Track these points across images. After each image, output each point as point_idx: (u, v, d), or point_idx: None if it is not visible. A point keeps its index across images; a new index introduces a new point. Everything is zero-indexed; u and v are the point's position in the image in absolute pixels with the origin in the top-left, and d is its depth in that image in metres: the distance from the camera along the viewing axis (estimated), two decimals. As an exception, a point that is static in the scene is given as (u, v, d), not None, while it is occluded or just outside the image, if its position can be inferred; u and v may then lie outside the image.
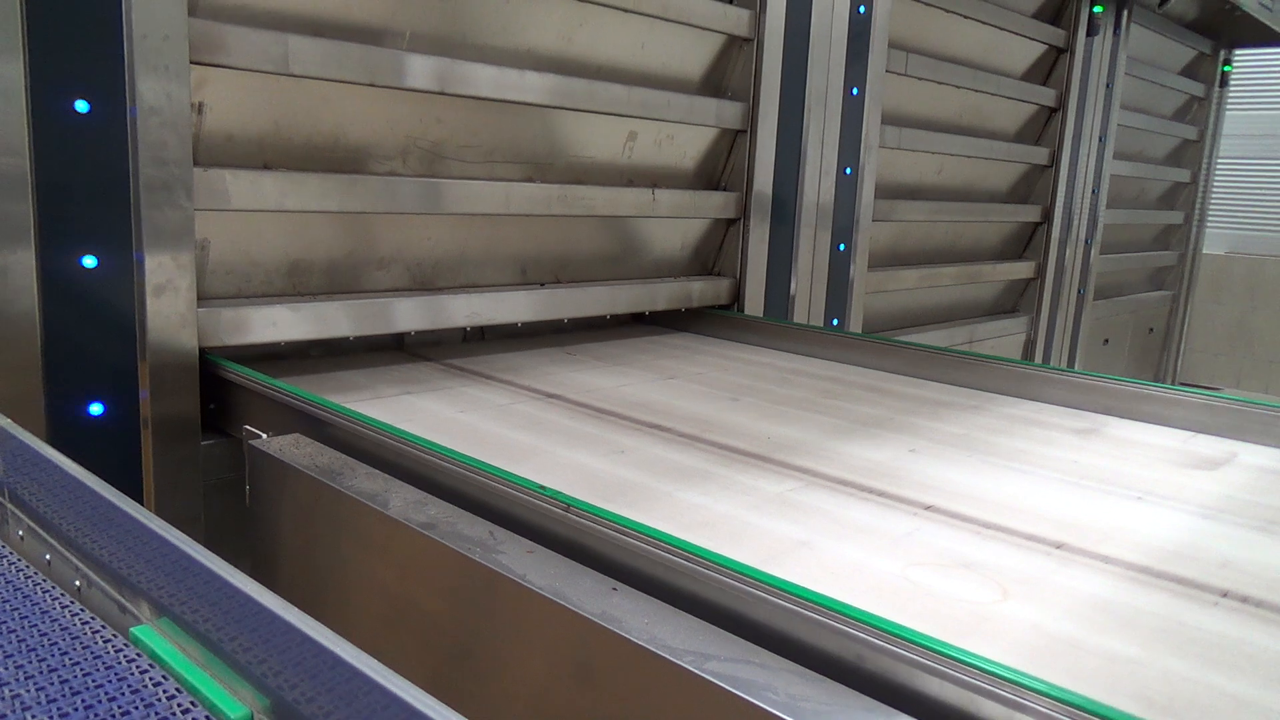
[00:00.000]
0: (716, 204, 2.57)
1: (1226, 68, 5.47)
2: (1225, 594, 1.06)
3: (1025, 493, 1.37)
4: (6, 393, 1.36)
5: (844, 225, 2.92)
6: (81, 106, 1.39)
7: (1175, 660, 0.90)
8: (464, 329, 2.12)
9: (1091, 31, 3.95)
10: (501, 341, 2.28)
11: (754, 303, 2.67)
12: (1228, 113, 5.69)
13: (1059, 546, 1.17)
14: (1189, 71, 5.32)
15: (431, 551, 1.07)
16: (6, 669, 0.68)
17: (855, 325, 3.07)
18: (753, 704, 0.77)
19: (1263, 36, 5.20)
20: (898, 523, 1.22)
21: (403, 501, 1.16)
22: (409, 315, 1.93)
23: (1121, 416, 1.85)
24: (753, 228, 2.62)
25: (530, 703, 0.98)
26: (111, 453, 1.48)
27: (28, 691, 0.66)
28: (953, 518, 1.25)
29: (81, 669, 0.70)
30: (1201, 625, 0.98)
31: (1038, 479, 1.44)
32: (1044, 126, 4.01)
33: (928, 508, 1.28)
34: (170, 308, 1.51)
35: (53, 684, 0.67)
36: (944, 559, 1.11)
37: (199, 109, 1.61)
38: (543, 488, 1.07)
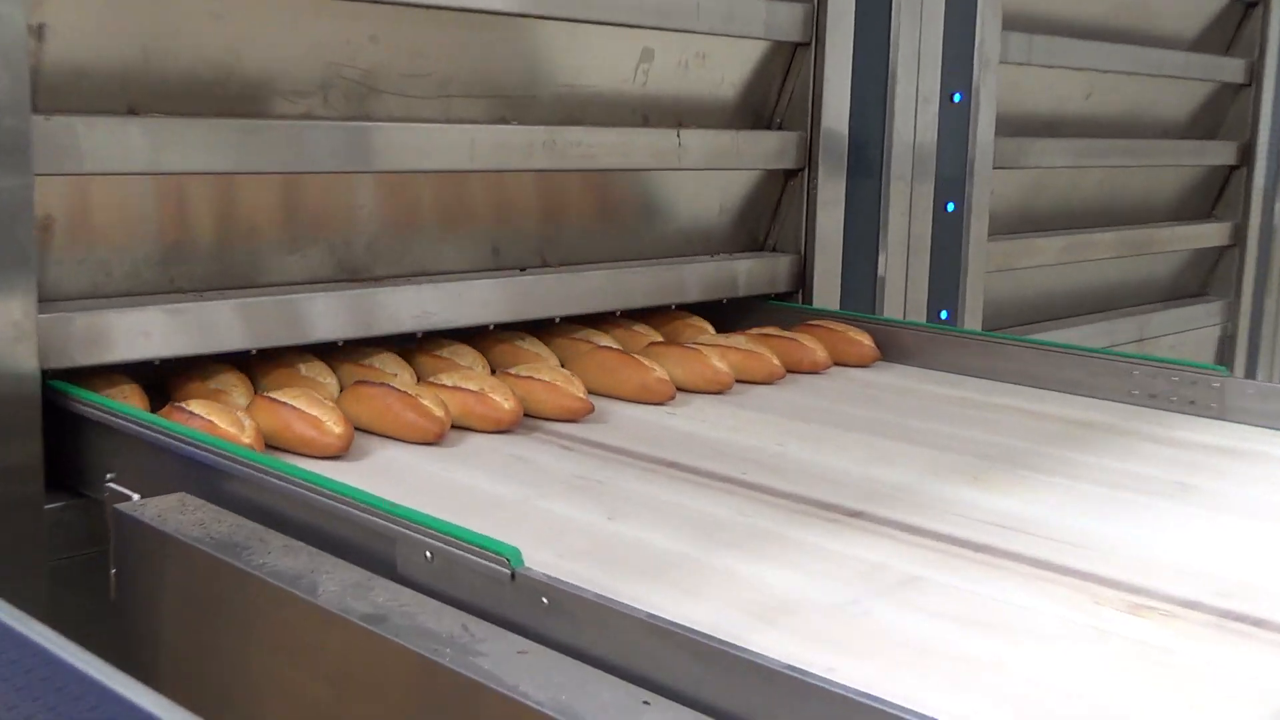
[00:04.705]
0: (769, 149, 2.60)
1: None
2: None
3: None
4: None
5: (953, 176, 2.94)
6: (-127, 32, 1.41)
7: None
8: (414, 335, 2.13)
9: (1303, -112, 3.95)
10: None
11: (826, 289, 2.69)
12: None
13: None
14: None
15: (381, 654, 1.08)
16: None
17: (973, 319, 3.08)
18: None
19: None
20: (1106, 622, 1.17)
21: (338, 584, 1.17)
22: (331, 318, 1.95)
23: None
24: (822, 182, 2.64)
25: None
26: (-83, 523, 1.50)
27: None
28: (1186, 608, 1.20)
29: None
30: None
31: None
32: (1237, 28, 4.02)
33: (1135, 593, 1.24)
34: (0, 314, 1.53)
35: None
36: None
37: (39, 33, 1.64)
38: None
